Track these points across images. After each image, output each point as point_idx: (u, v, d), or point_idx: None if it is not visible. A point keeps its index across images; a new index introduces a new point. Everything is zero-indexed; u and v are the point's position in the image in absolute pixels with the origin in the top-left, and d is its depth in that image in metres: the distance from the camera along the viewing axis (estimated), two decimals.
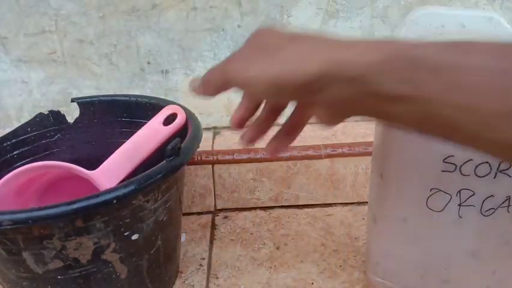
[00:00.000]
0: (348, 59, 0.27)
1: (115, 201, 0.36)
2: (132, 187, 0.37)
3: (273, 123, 0.38)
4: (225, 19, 0.67)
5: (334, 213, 0.65)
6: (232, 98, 0.66)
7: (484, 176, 0.38)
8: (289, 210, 0.66)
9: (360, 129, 0.70)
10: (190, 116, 0.51)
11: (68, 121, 0.56)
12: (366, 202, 0.49)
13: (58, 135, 0.55)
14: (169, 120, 0.50)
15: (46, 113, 0.54)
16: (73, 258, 0.39)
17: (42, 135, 0.54)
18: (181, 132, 0.48)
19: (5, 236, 0.36)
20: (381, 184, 0.43)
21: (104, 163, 0.46)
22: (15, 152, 0.51)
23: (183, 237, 0.60)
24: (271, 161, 0.63)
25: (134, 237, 0.41)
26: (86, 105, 0.56)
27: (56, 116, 0.55)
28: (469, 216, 0.40)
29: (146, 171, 0.39)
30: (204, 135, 0.48)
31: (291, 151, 0.63)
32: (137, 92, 0.72)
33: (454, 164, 0.38)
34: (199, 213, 0.66)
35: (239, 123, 0.37)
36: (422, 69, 0.24)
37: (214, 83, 0.35)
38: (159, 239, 0.44)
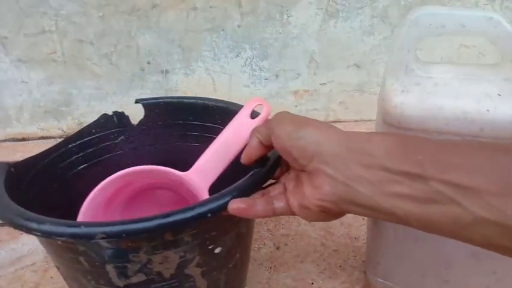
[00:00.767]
0: None
1: (209, 215, 0.34)
2: (226, 199, 0.35)
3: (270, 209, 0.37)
4: (225, 19, 0.67)
5: None
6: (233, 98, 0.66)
7: None
8: None
9: (360, 130, 0.69)
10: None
11: (132, 123, 0.54)
12: None
13: (121, 137, 0.53)
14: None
15: (110, 114, 0.52)
16: (156, 272, 0.37)
17: (106, 136, 0.52)
18: None
19: (91, 247, 0.35)
20: None
21: (196, 163, 0.43)
22: (80, 154, 0.49)
23: None
24: None
25: (217, 250, 0.39)
26: (151, 106, 0.53)
27: (120, 118, 0.53)
28: None
29: (239, 183, 0.37)
30: None
31: None
32: (137, 92, 0.72)
33: None
34: None
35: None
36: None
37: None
38: (238, 252, 0.43)
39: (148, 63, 0.70)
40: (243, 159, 0.38)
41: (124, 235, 0.32)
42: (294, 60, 0.71)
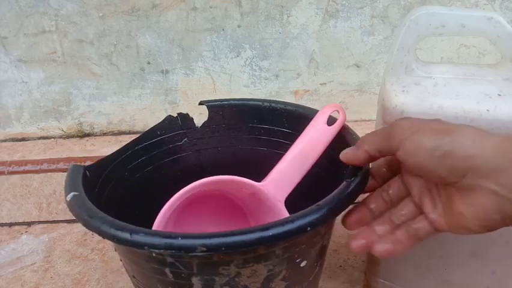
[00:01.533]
0: None
1: (309, 229, 0.33)
2: (324, 211, 0.34)
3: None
4: (225, 19, 0.67)
5: None
6: None
7: None
8: None
9: (360, 130, 0.69)
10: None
11: (196, 125, 0.52)
12: None
13: (185, 139, 0.51)
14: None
15: (175, 115, 0.51)
16: (243, 285, 0.36)
17: (170, 138, 0.51)
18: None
19: (180, 259, 0.33)
20: None
21: (272, 173, 0.42)
22: (145, 157, 0.48)
23: None
24: None
25: (303, 264, 0.38)
26: (216, 108, 0.52)
27: (184, 119, 0.51)
28: None
29: (336, 193, 0.35)
30: None
31: None
32: (137, 92, 0.72)
33: None
34: None
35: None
36: None
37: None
38: (318, 265, 0.42)
39: (148, 63, 0.70)
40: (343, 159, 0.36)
41: (223, 248, 0.31)
42: (294, 60, 0.71)
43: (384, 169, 0.37)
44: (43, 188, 0.65)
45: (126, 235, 0.31)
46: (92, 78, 0.71)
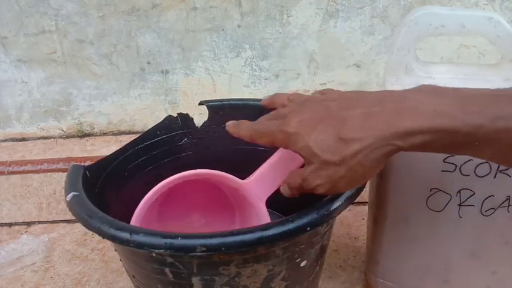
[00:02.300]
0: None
1: (308, 229, 0.33)
2: (325, 212, 0.34)
3: None
4: (225, 19, 0.67)
5: None
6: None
7: (484, 176, 0.38)
8: None
9: None
10: None
11: (196, 125, 0.53)
12: (366, 202, 0.49)
13: (185, 139, 0.52)
14: None
15: (175, 115, 0.51)
16: (243, 285, 0.36)
17: (170, 138, 0.51)
18: None
19: (180, 259, 0.34)
20: (381, 184, 0.43)
21: (256, 173, 0.42)
22: (145, 157, 0.49)
23: None
24: None
25: (303, 263, 0.38)
26: (216, 108, 0.52)
27: (184, 119, 0.52)
28: (469, 216, 0.40)
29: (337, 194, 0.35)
30: None
31: None
32: (137, 92, 0.72)
33: (454, 164, 0.38)
34: None
35: None
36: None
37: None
38: (318, 265, 0.42)
39: (148, 63, 0.70)
40: None
41: (223, 248, 0.31)
42: (294, 60, 0.71)
43: None
44: (43, 188, 0.65)
45: (126, 235, 0.32)
46: (92, 78, 0.71)
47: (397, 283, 0.47)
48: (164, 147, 0.50)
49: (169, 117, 0.51)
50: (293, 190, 0.36)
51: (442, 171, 0.39)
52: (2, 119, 0.74)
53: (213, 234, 0.31)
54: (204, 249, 0.31)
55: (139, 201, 0.40)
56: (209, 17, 0.67)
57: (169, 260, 0.34)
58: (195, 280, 0.35)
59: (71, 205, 0.36)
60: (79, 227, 0.63)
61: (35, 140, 0.75)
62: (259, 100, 0.51)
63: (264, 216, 0.42)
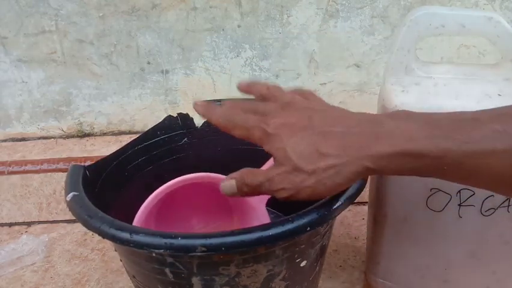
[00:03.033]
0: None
1: (308, 229, 0.33)
2: (325, 212, 0.34)
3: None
4: (225, 19, 0.67)
5: None
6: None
7: None
8: None
9: None
10: None
11: (196, 125, 0.52)
12: (366, 202, 0.49)
13: (185, 139, 0.52)
14: None
15: (175, 115, 0.51)
16: (243, 285, 0.36)
17: (170, 138, 0.51)
18: None
19: (180, 259, 0.34)
20: (381, 184, 0.43)
21: None
22: (145, 157, 0.49)
23: None
24: None
25: (303, 264, 0.38)
26: None
27: (184, 119, 0.52)
28: (469, 216, 0.40)
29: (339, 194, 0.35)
30: None
31: None
32: (137, 92, 0.72)
33: None
34: None
35: None
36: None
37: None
38: (318, 265, 0.42)
39: (148, 63, 0.70)
40: None
41: (223, 248, 0.31)
42: (294, 60, 0.71)
43: None
44: (43, 188, 0.65)
45: (126, 235, 0.32)
46: (92, 78, 0.71)
47: (397, 283, 0.47)
48: (164, 147, 0.50)
49: (169, 117, 0.51)
50: (243, 187, 0.35)
51: None
52: (2, 119, 0.74)
53: (213, 234, 0.31)
54: (204, 249, 0.31)
55: (139, 201, 0.40)
56: (209, 17, 0.67)
57: (169, 260, 0.34)
58: (195, 280, 0.35)
59: (71, 205, 0.36)
60: (79, 227, 0.63)
61: (35, 140, 0.75)
62: None
63: (264, 220, 0.42)
